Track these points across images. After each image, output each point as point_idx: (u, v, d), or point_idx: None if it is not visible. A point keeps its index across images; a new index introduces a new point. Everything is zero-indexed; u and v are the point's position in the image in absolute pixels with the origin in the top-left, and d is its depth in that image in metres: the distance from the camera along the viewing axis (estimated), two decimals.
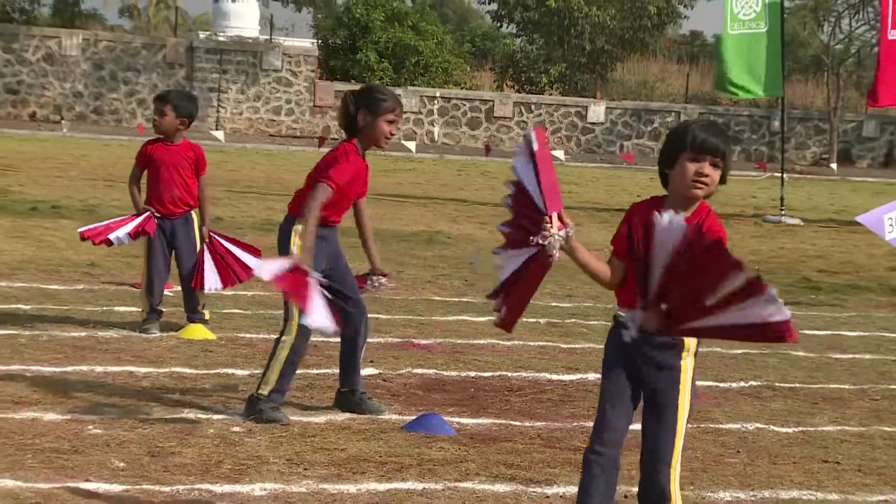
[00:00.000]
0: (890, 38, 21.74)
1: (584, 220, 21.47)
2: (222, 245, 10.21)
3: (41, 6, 50.51)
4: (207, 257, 10.12)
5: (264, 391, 7.60)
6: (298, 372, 8.58)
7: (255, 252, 10.17)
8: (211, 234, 10.22)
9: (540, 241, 5.00)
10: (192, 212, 10.25)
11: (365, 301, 8.05)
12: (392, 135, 7.74)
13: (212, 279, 10.06)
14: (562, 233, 5.01)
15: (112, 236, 10.00)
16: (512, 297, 5.28)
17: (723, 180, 5.30)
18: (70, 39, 41.66)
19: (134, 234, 10.03)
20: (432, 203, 22.86)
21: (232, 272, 10.14)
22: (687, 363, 5.35)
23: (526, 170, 5.10)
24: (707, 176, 5.22)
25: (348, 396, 7.94)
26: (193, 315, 10.19)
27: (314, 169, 7.70)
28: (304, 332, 7.62)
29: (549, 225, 4.98)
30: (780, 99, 26.61)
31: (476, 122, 43.41)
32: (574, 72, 48.17)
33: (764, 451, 7.58)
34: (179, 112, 10.13)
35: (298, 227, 7.55)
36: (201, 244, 10.15)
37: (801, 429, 8.16)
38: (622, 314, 5.29)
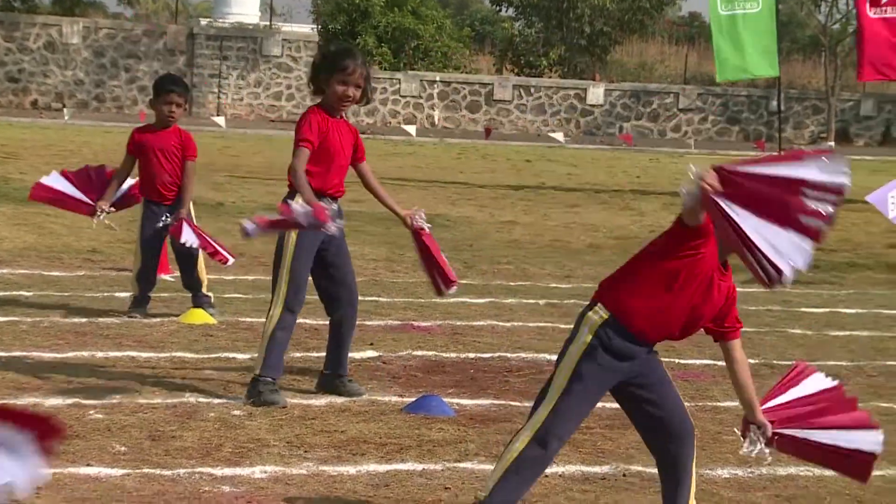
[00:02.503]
0: (872, 15, 21.87)
1: (584, 202, 21.51)
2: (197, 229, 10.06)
3: None
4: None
5: (257, 370, 7.67)
6: (298, 355, 8.66)
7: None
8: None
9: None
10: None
11: (356, 287, 8.07)
12: (347, 96, 7.72)
13: (190, 237, 9.85)
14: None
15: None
16: None
17: None
18: (71, 27, 41.66)
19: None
20: (432, 186, 22.89)
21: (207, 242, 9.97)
22: None
23: None
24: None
25: (331, 379, 7.99)
26: (198, 297, 10.18)
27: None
28: (288, 307, 7.70)
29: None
30: (776, 79, 26.60)
31: (476, 106, 43.40)
32: (573, 54, 48.12)
33: None
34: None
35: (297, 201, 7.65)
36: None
37: None
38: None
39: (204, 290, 10.22)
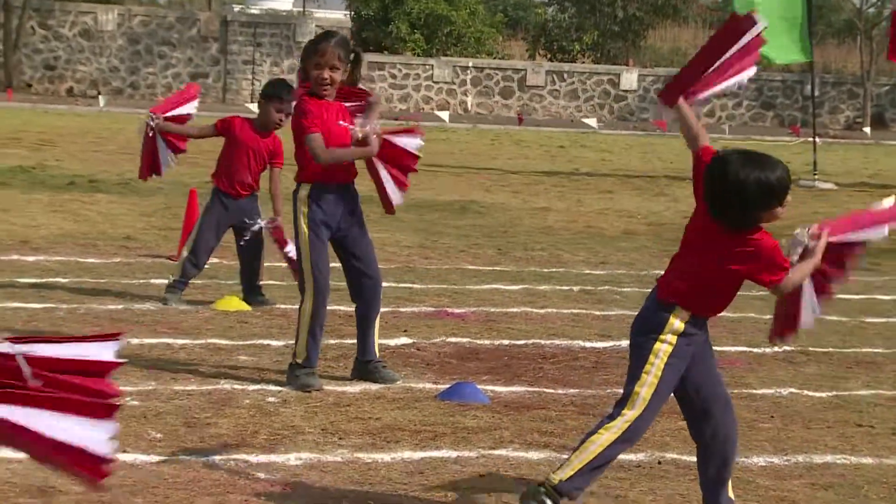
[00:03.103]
0: None
1: (618, 188, 21.46)
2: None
3: None
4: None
5: (299, 359, 7.69)
6: (333, 342, 8.67)
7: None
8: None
9: None
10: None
11: (378, 274, 8.05)
12: (323, 78, 7.67)
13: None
14: None
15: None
16: None
17: None
18: (105, 14, 41.76)
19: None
20: (465, 172, 22.86)
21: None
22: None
23: None
24: None
25: (364, 366, 8.00)
26: (255, 297, 10.18)
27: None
28: (318, 300, 7.72)
29: None
30: (811, 64, 26.43)
31: (509, 92, 43.32)
32: (606, 39, 47.99)
33: (798, 415, 7.59)
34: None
35: (301, 194, 7.70)
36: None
37: (834, 393, 8.16)
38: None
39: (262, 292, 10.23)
